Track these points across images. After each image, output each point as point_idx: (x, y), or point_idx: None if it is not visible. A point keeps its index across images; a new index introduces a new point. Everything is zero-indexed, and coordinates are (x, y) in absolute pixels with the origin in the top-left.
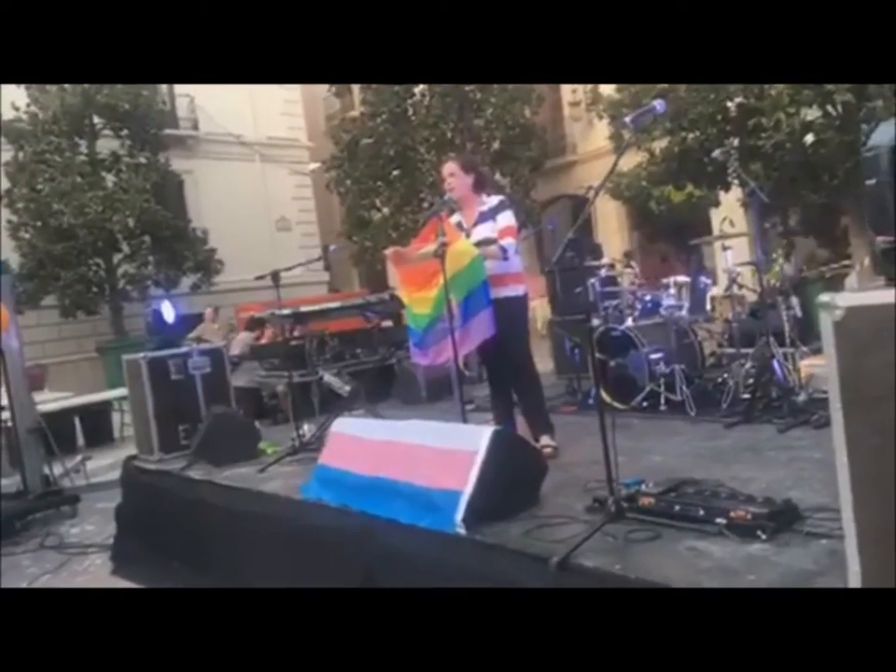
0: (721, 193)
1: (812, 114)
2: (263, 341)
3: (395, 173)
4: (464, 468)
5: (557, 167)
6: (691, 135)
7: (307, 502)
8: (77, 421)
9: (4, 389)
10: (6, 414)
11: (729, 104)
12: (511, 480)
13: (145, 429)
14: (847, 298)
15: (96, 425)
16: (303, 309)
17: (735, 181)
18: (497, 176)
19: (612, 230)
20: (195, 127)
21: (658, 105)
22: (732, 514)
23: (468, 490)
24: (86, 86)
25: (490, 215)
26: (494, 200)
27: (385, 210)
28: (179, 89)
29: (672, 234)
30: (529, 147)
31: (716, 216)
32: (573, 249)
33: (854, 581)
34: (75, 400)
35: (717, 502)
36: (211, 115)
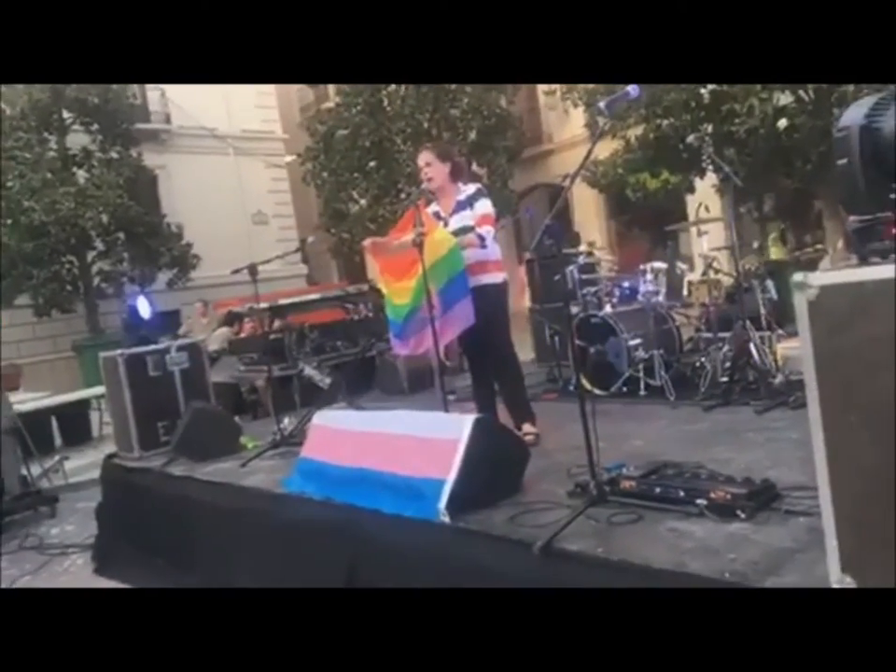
0: (697, 180)
1: (784, 99)
2: (242, 335)
3: (371, 164)
4: (447, 456)
5: (534, 156)
6: (665, 122)
7: (290, 495)
8: (54, 420)
9: None
10: None
11: (702, 90)
12: (494, 467)
13: (124, 427)
14: (821, 277)
15: (74, 424)
16: (282, 302)
17: (710, 167)
18: (475, 167)
19: (590, 217)
20: (167, 121)
21: (632, 89)
22: (712, 495)
23: (451, 478)
24: None
25: (467, 203)
26: (471, 188)
27: (363, 202)
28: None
29: (649, 221)
30: (505, 136)
31: (691, 202)
32: (551, 236)
33: (832, 556)
34: (51, 400)
35: (697, 484)
36: (183, 108)
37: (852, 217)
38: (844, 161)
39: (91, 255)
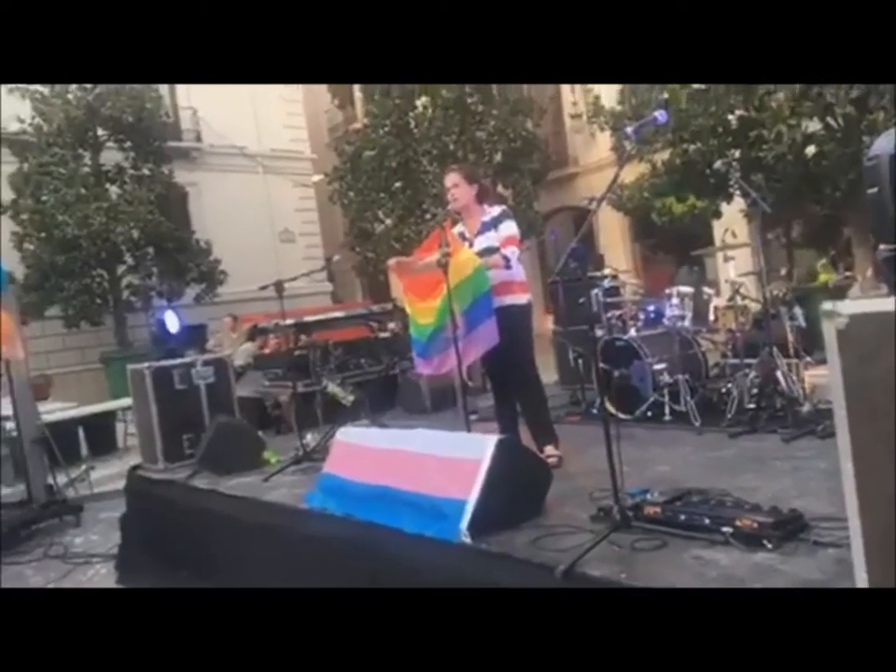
0: (724, 205)
1: (813, 126)
2: (267, 351)
3: (397, 184)
4: (469, 476)
5: (559, 179)
6: (692, 147)
7: (312, 511)
8: (80, 431)
9: (9, 399)
10: (10, 424)
11: (730, 116)
12: (516, 489)
13: (149, 439)
14: (851, 306)
15: (100, 434)
16: (307, 319)
17: (737, 192)
18: (500, 189)
19: (615, 241)
20: (199, 139)
21: (660, 115)
22: (738, 523)
23: (472, 499)
24: (90, 98)
25: (492, 224)
26: (496, 210)
27: (388, 221)
28: (183, 101)
29: (674, 245)
30: (531, 159)
31: (718, 227)
32: (576, 259)
33: None
34: (79, 410)
35: (722, 511)
36: (214, 127)
37: (882, 246)
38: (874, 189)
39: (120, 269)
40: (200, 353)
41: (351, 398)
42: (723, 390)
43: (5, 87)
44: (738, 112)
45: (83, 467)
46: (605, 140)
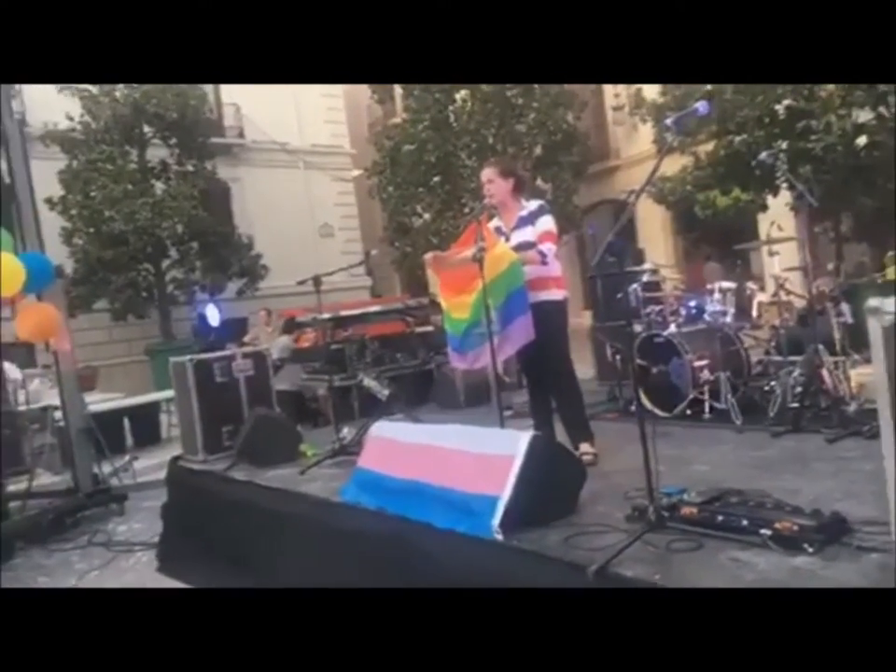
0: (769, 198)
1: (864, 116)
2: (305, 344)
3: (436, 179)
4: (501, 473)
5: (600, 172)
6: (737, 138)
7: (345, 505)
8: (125, 421)
9: (57, 390)
10: (58, 414)
11: (777, 106)
12: (550, 486)
13: (190, 430)
14: None
15: (144, 425)
16: (343, 313)
17: (784, 185)
18: (539, 182)
19: (655, 234)
20: (241, 135)
21: (701, 106)
22: (777, 525)
23: (505, 495)
24: (136, 96)
25: (529, 219)
26: (533, 204)
27: (427, 216)
28: (226, 98)
29: (717, 239)
30: (571, 152)
31: (763, 220)
32: (613, 253)
33: None
34: (124, 401)
35: (762, 513)
36: (257, 123)
37: None
38: None
39: (165, 263)
40: (238, 346)
41: (387, 392)
42: (766, 388)
43: (55, 86)
44: (786, 102)
45: (127, 457)
46: (647, 132)
